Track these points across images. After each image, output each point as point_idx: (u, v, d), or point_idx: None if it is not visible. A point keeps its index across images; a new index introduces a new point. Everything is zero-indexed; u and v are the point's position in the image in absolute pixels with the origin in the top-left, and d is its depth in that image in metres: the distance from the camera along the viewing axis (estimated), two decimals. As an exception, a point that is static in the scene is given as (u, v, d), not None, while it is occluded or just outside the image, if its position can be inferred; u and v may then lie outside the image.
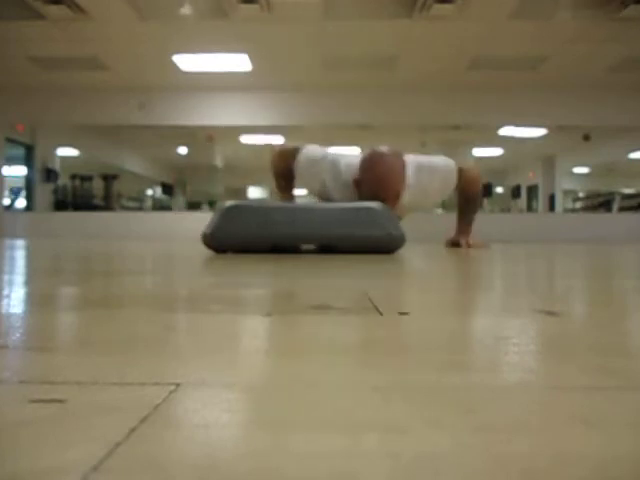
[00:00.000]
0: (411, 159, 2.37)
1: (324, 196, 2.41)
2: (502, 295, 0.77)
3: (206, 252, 1.98)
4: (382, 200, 2.14)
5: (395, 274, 1.15)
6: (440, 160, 2.50)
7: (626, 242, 5.15)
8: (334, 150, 2.50)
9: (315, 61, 5.89)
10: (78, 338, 0.45)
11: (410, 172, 2.31)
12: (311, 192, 2.53)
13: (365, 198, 2.18)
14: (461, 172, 2.48)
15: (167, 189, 10.57)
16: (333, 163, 2.39)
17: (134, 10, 4.66)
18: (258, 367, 0.34)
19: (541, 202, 9.15)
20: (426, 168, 2.40)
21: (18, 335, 0.44)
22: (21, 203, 7.51)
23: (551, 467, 0.20)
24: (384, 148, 2.31)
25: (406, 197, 2.32)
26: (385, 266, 1.34)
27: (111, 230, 6.43)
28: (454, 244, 2.67)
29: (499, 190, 10.30)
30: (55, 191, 7.60)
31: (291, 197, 2.64)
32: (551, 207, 8.87)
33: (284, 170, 2.52)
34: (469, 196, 2.59)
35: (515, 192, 10.07)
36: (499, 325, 0.51)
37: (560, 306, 0.63)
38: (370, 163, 2.25)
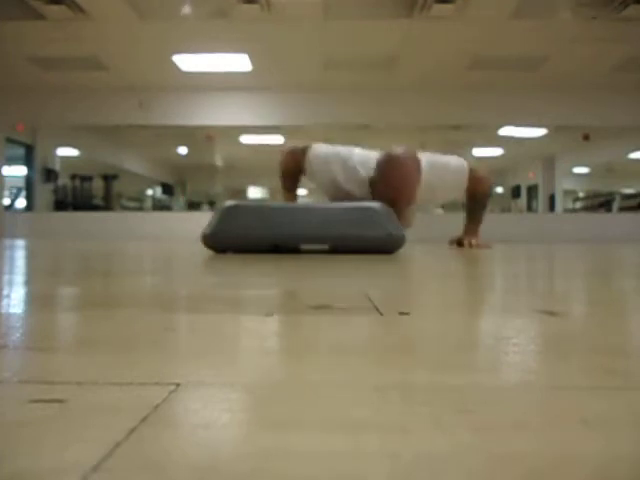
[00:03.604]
0: (425, 157, 2.36)
1: (336, 194, 2.40)
2: (502, 295, 0.77)
3: (206, 252, 1.98)
4: (395, 203, 2.14)
5: (395, 274, 1.15)
6: (453, 159, 2.49)
7: (626, 242, 5.15)
8: (344, 147, 2.50)
9: (315, 61, 5.89)
10: (78, 338, 0.45)
11: (423, 171, 2.31)
12: (322, 190, 2.54)
13: (379, 199, 2.17)
14: (471, 172, 2.47)
15: (167, 189, 10.57)
16: (345, 160, 2.39)
17: (134, 10, 4.66)
18: (258, 367, 0.34)
19: (541, 202, 9.15)
20: (439, 166, 2.40)
21: (18, 335, 0.44)
22: (21, 203, 7.51)
23: (551, 467, 0.20)
24: (401, 150, 2.29)
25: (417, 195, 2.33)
26: (385, 266, 1.34)
27: (111, 230, 6.43)
28: (459, 244, 2.67)
29: (499, 190, 10.30)
30: (55, 191, 7.59)
31: (295, 197, 2.65)
32: (551, 207, 8.86)
33: (294, 170, 2.54)
34: (478, 196, 2.59)
35: (515, 192, 10.07)
36: (499, 325, 0.51)
37: (560, 306, 0.63)
38: (387, 166, 2.25)
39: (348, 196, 2.33)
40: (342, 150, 2.45)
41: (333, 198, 2.43)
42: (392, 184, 2.22)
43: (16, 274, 1.04)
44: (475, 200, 2.61)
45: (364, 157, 2.37)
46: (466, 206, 2.66)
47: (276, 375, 0.33)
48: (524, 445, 0.22)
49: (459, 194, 2.57)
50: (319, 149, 2.47)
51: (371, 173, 2.28)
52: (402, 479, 0.19)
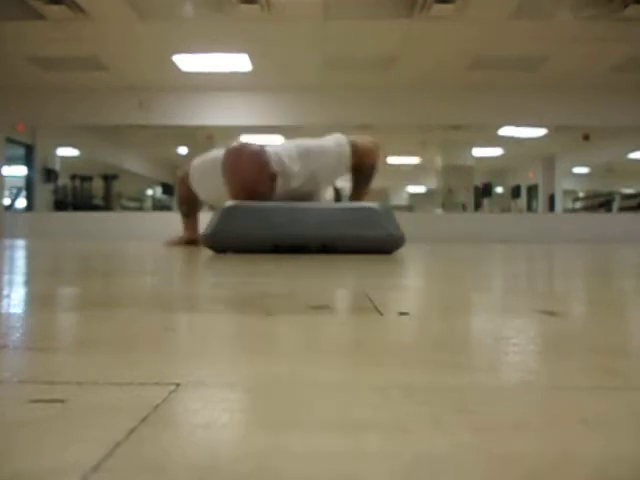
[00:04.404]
0: (291, 146, 2.35)
1: (217, 200, 2.37)
2: (502, 295, 0.77)
3: (206, 252, 1.98)
4: (238, 198, 2.14)
5: (395, 274, 1.15)
6: (330, 140, 2.43)
7: (626, 242, 5.15)
8: (213, 152, 2.52)
9: (315, 61, 5.89)
10: (78, 338, 0.45)
11: (288, 160, 2.27)
12: (211, 200, 2.55)
13: (234, 198, 2.15)
14: (353, 147, 2.39)
15: (167, 189, 10.57)
16: (208, 164, 2.43)
17: (134, 10, 4.66)
18: (258, 367, 0.34)
19: (541, 202, 9.15)
20: (315, 152, 2.35)
21: (18, 335, 0.44)
22: (21, 203, 7.50)
23: (551, 467, 0.20)
24: (241, 144, 2.26)
25: (294, 184, 2.30)
26: (385, 266, 1.34)
27: (111, 230, 6.42)
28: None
29: (499, 190, 10.30)
30: (55, 191, 7.59)
31: (195, 222, 2.73)
32: (551, 207, 8.87)
33: (185, 193, 2.62)
34: (364, 169, 2.48)
35: (515, 192, 10.08)
36: (499, 325, 0.51)
37: (560, 306, 0.63)
38: (228, 163, 2.22)
39: (223, 197, 2.29)
40: (209, 155, 2.49)
41: (215, 202, 2.41)
42: (231, 180, 2.20)
43: (16, 274, 1.04)
44: (361, 173, 2.51)
45: (216, 158, 2.37)
46: (352, 179, 2.56)
47: (276, 375, 0.33)
48: (524, 445, 0.22)
49: (344, 171, 2.49)
50: (195, 163, 2.52)
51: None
52: (402, 479, 0.19)
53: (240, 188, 2.18)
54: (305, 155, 2.33)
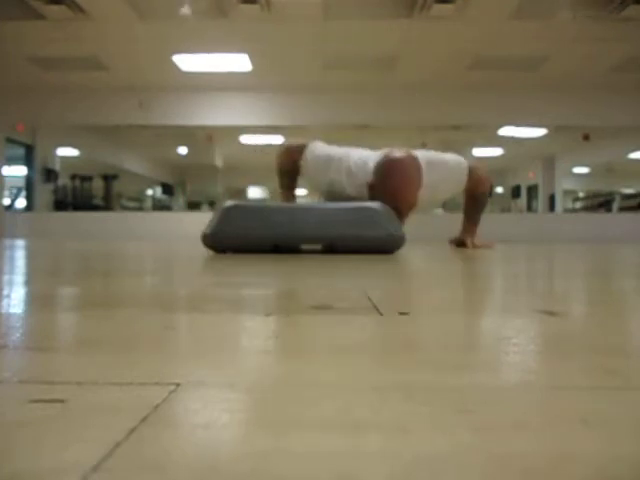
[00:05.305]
0: (422, 156, 2.33)
1: (331, 195, 2.36)
2: (502, 295, 0.77)
3: (206, 252, 1.98)
4: (397, 208, 2.11)
5: (395, 274, 1.15)
6: (451, 157, 2.46)
7: (626, 242, 5.15)
8: (342, 148, 2.45)
9: (315, 61, 5.89)
10: (78, 338, 0.45)
11: (423, 172, 2.27)
12: (317, 190, 2.49)
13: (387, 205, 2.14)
14: (471, 171, 2.44)
15: (167, 189, 10.57)
16: (341, 161, 2.34)
17: (134, 10, 4.66)
18: (258, 367, 0.34)
19: (541, 202, 9.15)
20: (437, 165, 2.36)
21: (18, 335, 0.44)
22: (21, 203, 7.50)
23: (551, 467, 0.20)
24: (400, 153, 2.25)
25: (423, 196, 2.29)
26: (385, 266, 1.34)
27: (111, 230, 6.42)
28: (459, 244, 2.65)
29: (499, 190, 10.30)
30: (55, 191, 7.59)
31: (293, 196, 2.59)
32: (551, 207, 8.87)
33: (290, 167, 2.47)
34: (477, 195, 2.56)
35: (515, 192, 10.07)
36: (499, 325, 0.51)
37: (560, 306, 0.63)
38: (386, 170, 2.20)
39: (345, 199, 2.28)
40: (340, 151, 2.40)
41: (329, 200, 2.39)
42: (392, 189, 2.18)
43: (16, 274, 1.04)
44: (474, 200, 2.58)
45: (362, 159, 2.32)
46: (465, 206, 2.63)
47: (276, 375, 0.33)
48: (524, 445, 0.22)
49: (457, 192, 2.53)
50: (317, 148, 2.41)
51: (369, 177, 2.24)
52: (402, 479, 0.19)
53: (400, 199, 2.18)
54: (429, 167, 2.31)
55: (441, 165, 2.38)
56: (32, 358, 0.37)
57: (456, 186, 2.48)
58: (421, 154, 2.34)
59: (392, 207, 2.10)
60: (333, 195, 2.36)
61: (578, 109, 6.76)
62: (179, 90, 6.74)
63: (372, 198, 2.22)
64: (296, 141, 2.55)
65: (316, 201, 2.59)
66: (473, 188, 2.50)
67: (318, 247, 2.00)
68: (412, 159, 2.26)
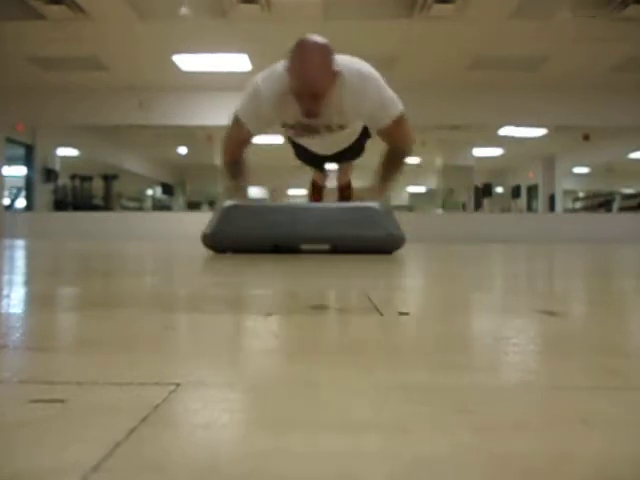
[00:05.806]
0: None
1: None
2: (502, 295, 0.77)
3: (206, 252, 1.98)
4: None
5: (395, 274, 1.15)
6: (393, 99, 2.41)
7: (626, 242, 5.15)
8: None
9: (315, 61, 5.88)
10: (78, 338, 0.45)
11: None
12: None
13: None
14: (397, 122, 2.24)
15: (167, 189, 10.57)
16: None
17: (134, 10, 4.66)
18: (258, 367, 0.34)
19: (541, 202, 9.15)
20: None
21: (18, 335, 0.44)
22: (21, 203, 7.50)
23: (551, 467, 0.20)
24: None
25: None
26: (385, 266, 1.34)
27: (111, 230, 6.42)
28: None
29: (499, 190, 10.30)
30: (55, 191, 7.59)
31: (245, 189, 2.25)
32: (551, 207, 8.87)
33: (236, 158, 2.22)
34: (405, 150, 2.21)
35: (515, 192, 10.07)
36: (499, 325, 0.51)
37: (560, 306, 0.63)
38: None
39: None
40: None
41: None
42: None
43: (16, 274, 1.04)
44: (401, 154, 2.20)
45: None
46: (385, 159, 2.19)
47: (276, 375, 0.33)
48: (524, 445, 0.22)
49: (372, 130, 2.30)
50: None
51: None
52: (402, 479, 0.19)
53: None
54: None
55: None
56: (32, 358, 0.37)
57: (376, 122, 2.26)
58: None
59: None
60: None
61: (578, 109, 6.76)
62: (179, 90, 6.74)
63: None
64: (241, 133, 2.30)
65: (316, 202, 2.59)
66: (402, 139, 2.19)
67: (319, 247, 2.00)
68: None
